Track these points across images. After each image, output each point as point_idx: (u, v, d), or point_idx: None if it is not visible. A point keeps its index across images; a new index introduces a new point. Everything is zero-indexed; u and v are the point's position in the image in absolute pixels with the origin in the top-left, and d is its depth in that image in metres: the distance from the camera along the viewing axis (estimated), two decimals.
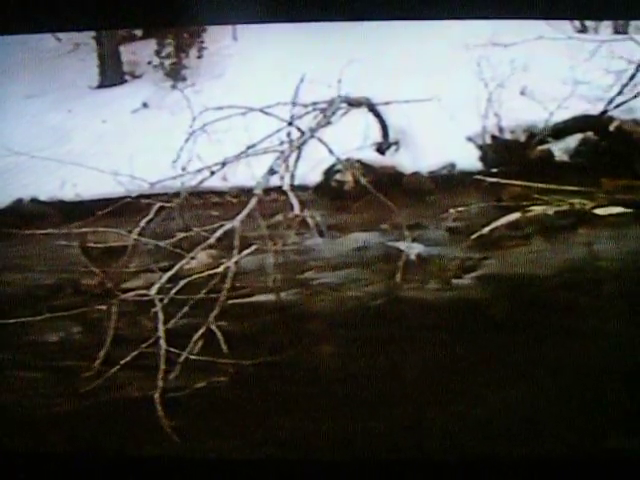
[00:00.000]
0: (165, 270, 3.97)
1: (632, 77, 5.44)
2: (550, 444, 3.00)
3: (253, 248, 4.04)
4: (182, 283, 3.79)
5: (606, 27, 6.34)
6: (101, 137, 5.85)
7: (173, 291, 3.75)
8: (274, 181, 4.55)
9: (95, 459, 2.79)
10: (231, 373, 3.50)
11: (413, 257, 4.55)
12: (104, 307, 3.74)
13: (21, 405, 3.36)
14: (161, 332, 3.55)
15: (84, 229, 4.25)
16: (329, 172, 5.48)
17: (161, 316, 3.62)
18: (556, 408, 3.19)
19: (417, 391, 3.38)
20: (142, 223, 4.17)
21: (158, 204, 4.23)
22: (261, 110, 4.57)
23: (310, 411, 3.28)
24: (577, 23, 6.29)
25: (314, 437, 3.14)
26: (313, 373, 3.54)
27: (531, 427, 3.09)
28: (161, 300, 3.70)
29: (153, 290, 3.73)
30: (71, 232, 4.29)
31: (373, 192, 4.48)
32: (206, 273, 3.92)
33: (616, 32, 6.18)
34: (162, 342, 3.51)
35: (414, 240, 4.67)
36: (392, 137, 5.71)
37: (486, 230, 4.73)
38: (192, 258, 3.96)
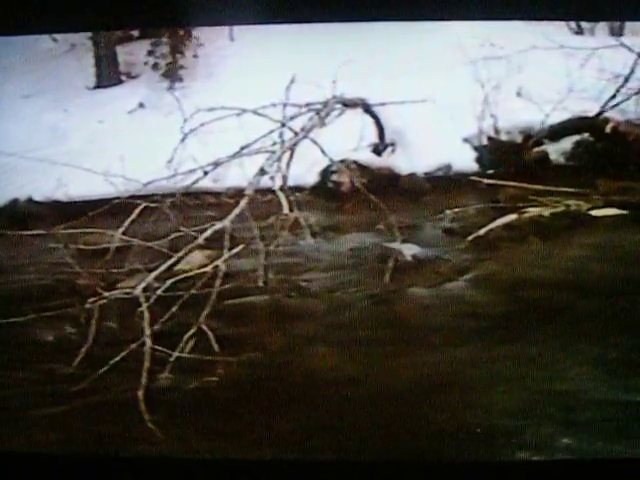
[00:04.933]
0: (162, 271, 3.96)
1: (627, 79, 5.46)
2: (548, 445, 2.99)
3: (240, 247, 4.04)
4: (168, 283, 3.78)
5: (602, 29, 6.35)
6: (97, 137, 5.85)
7: (159, 290, 3.73)
8: (270, 182, 4.54)
9: (84, 459, 2.77)
10: (223, 373, 3.49)
11: (409, 258, 4.54)
12: (88, 306, 3.71)
13: (10, 405, 3.35)
14: (147, 331, 3.54)
15: (74, 230, 4.24)
16: (325, 173, 5.48)
17: (147, 315, 3.61)
18: (552, 409, 3.19)
19: (412, 392, 3.37)
20: (126, 223, 4.15)
21: (143, 204, 4.22)
22: (254, 111, 4.55)
23: (304, 412, 3.27)
24: (573, 24, 6.30)
25: (309, 438, 3.13)
26: (306, 374, 3.53)
27: (529, 428, 3.08)
28: (147, 299, 3.68)
29: (138, 289, 3.71)
30: (60, 233, 4.28)
31: (365, 193, 4.47)
32: (193, 272, 3.92)
33: (612, 34, 6.19)
34: (147, 340, 3.49)
35: (410, 241, 4.66)
36: (388, 138, 5.71)
37: (482, 231, 4.73)
38: (181, 258, 3.95)
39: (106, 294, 3.73)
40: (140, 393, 3.29)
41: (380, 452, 3.02)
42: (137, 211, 4.20)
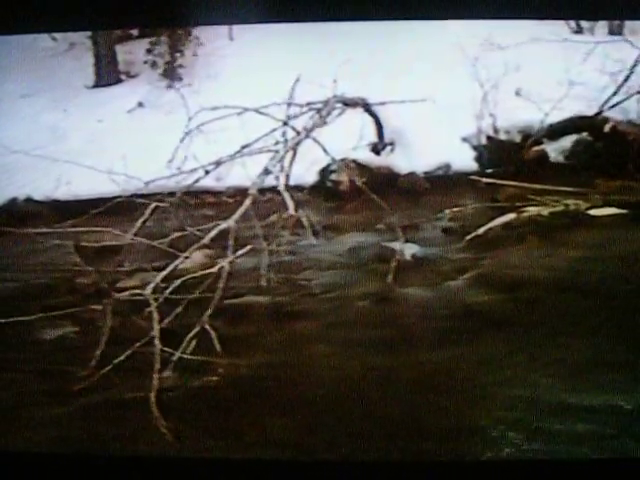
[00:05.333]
0: (161, 270, 3.95)
1: (626, 78, 5.46)
2: (546, 444, 2.99)
3: (247, 248, 4.02)
4: (177, 283, 3.76)
5: (601, 28, 6.36)
6: (97, 136, 5.85)
7: (168, 291, 3.71)
8: (271, 181, 4.52)
9: (89, 459, 2.77)
10: (224, 373, 3.48)
11: (408, 257, 4.55)
12: (99, 307, 3.69)
13: (13, 404, 3.34)
14: (156, 331, 3.52)
15: (77, 228, 4.22)
16: (325, 172, 5.48)
17: (156, 316, 3.60)
18: (552, 408, 3.18)
19: (412, 391, 3.36)
20: (138, 223, 4.13)
21: (154, 204, 4.20)
22: (256, 110, 4.54)
23: (304, 411, 3.27)
24: (573, 23, 6.31)
25: (309, 437, 3.13)
26: (307, 373, 3.53)
27: (527, 428, 3.08)
28: (156, 299, 3.66)
29: (148, 290, 3.70)
30: (64, 231, 4.26)
31: (366, 192, 4.46)
32: (199, 273, 3.90)
33: (611, 33, 6.21)
34: (157, 341, 3.48)
35: (409, 240, 4.66)
36: (388, 137, 5.71)
37: (481, 231, 4.74)
38: (186, 258, 3.93)
39: (117, 295, 3.71)
40: (152, 395, 3.26)
41: (380, 452, 3.02)
42: (148, 211, 4.18)
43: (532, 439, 3.03)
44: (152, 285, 3.73)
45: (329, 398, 3.33)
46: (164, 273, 3.77)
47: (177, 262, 3.89)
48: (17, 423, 3.19)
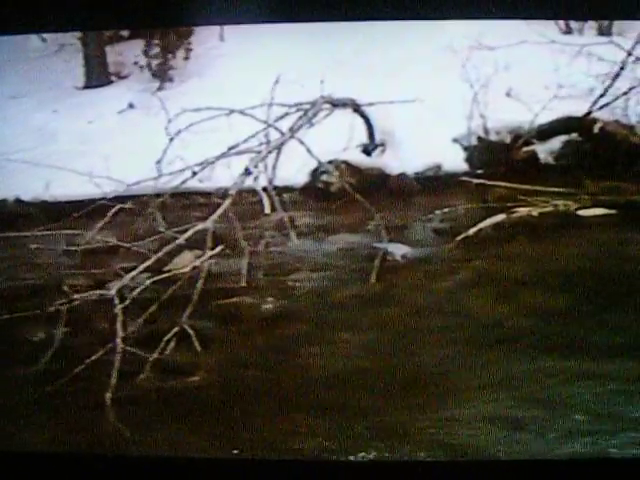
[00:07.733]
0: (154, 271, 3.95)
1: (615, 78, 5.48)
2: (538, 447, 3.00)
3: (220, 248, 4.02)
4: (148, 282, 3.77)
5: (590, 28, 6.38)
6: (87, 138, 5.83)
7: (135, 292, 3.71)
8: (260, 183, 4.52)
9: (63, 460, 2.75)
10: (206, 375, 3.48)
11: (399, 258, 4.56)
12: (53, 308, 3.66)
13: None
14: (119, 332, 3.52)
15: (52, 232, 4.23)
16: (315, 173, 5.48)
17: (120, 316, 3.59)
18: (542, 411, 3.19)
19: (401, 392, 3.37)
20: (98, 225, 4.16)
21: (117, 206, 4.20)
22: (240, 111, 4.53)
23: (293, 412, 3.27)
24: (562, 24, 6.33)
25: (297, 438, 3.13)
26: (294, 374, 3.53)
27: (518, 429, 3.09)
28: (122, 300, 3.66)
29: (113, 290, 3.69)
30: (51, 233, 4.26)
31: (353, 194, 4.46)
32: (172, 273, 3.90)
33: (600, 33, 6.23)
34: (119, 342, 3.48)
35: (399, 241, 4.67)
36: (378, 138, 5.71)
37: (471, 231, 4.74)
38: (161, 259, 3.93)
39: (76, 295, 3.70)
40: (107, 395, 3.29)
41: (368, 452, 3.02)
42: (110, 214, 4.20)
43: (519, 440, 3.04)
44: (118, 285, 3.72)
45: (318, 399, 3.34)
46: (133, 273, 3.80)
47: (147, 263, 3.90)
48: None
